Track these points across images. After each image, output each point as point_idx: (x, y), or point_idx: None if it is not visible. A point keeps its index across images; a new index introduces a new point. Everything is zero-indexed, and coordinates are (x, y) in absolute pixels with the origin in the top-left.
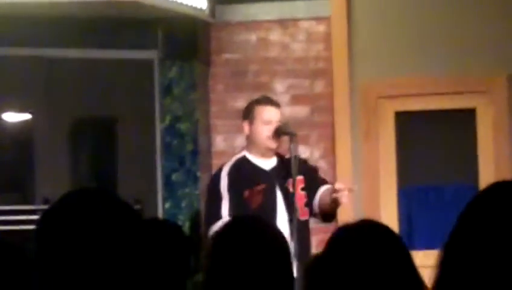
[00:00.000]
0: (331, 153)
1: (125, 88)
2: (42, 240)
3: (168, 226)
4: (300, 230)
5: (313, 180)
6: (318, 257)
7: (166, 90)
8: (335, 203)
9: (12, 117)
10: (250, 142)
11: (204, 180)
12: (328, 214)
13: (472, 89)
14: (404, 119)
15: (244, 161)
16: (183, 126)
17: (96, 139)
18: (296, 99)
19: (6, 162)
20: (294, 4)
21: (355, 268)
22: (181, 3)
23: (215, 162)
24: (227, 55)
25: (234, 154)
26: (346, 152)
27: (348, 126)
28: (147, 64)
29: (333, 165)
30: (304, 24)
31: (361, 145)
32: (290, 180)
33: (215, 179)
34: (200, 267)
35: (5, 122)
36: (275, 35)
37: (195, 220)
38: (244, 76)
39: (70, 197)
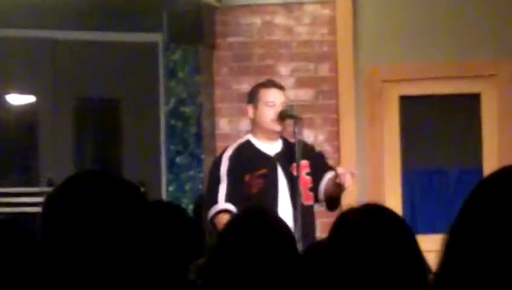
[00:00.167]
0: (335, 136)
1: (130, 71)
2: (48, 222)
3: (172, 208)
4: (304, 214)
5: (319, 166)
6: (322, 241)
7: (171, 73)
8: (339, 188)
9: (17, 99)
10: (255, 126)
11: (208, 163)
12: (332, 200)
13: (477, 74)
14: (408, 104)
15: (247, 144)
16: (187, 109)
17: (101, 122)
18: (300, 83)
19: (10, 144)
20: None
21: (361, 252)
22: None
23: (219, 145)
24: (231, 39)
25: (238, 137)
26: (350, 136)
27: (352, 110)
28: (152, 47)
29: (337, 149)
30: (309, 7)
31: (365, 129)
32: (295, 165)
33: (217, 162)
34: (203, 250)
35: (10, 104)
36: (280, 19)
37: (199, 203)
38: (249, 59)
39: (76, 178)
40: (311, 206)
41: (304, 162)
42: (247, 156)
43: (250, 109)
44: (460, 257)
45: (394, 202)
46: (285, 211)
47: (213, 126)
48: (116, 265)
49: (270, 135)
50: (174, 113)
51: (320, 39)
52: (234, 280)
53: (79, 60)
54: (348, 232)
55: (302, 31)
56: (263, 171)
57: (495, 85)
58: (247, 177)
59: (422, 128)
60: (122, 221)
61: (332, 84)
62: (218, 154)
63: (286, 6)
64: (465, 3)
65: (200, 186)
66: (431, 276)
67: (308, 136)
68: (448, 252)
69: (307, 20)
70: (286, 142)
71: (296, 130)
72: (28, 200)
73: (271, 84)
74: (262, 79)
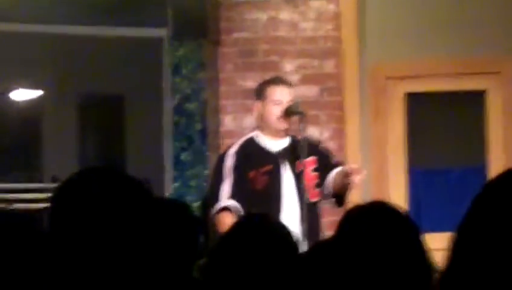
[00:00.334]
0: (340, 133)
1: (134, 66)
2: (55, 218)
3: (176, 205)
4: (310, 211)
5: (326, 163)
6: (328, 239)
7: (175, 69)
8: (346, 186)
9: (21, 95)
10: (261, 123)
11: (212, 160)
12: (339, 196)
13: (483, 71)
14: (413, 101)
15: (252, 141)
16: (191, 105)
17: (105, 118)
18: (305, 79)
19: (15, 140)
20: None
21: (367, 250)
22: None
23: (224, 142)
24: (236, 34)
25: (243, 134)
26: (355, 133)
27: (357, 107)
28: (156, 43)
29: (342, 146)
30: (314, 3)
31: (370, 126)
32: (301, 161)
33: (222, 158)
34: (207, 247)
35: (14, 100)
36: (285, 15)
37: (204, 200)
38: (254, 55)
39: (82, 174)
40: (317, 203)
41: (310, 159)
42: (252, 152)
43: (257, 106)
44: (468, 256)
45: (398, 199)
46: (290, 207)
47: (218, 123)
48: (122, 261)
49: (276, 132)
50: (178, 110)
51: (325, 35)
52: (232, 284)
53: (83, 56)
54: (354, 230)
55: (307, 27)
56: (268, 167)
57: (500, 82)
58: (251, 174)
59: (427, 125)
60: (128, 217)
61: (337, 81)
62: (222, 151)
63: (291, 2)
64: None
65: (205, 184)
66: (437, 274)
67: (313, 133)
68: (456, 252)
69: (312, 16)
70: (293, 139)
71: (301, 126)
72: (32, 197)
73: (278, 81)
74: (267, 75)
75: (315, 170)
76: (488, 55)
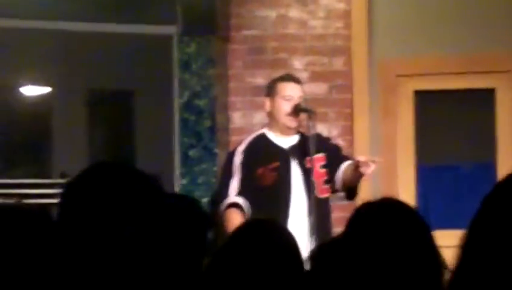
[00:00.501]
0: (349, 131)
1: (144, 63)
2: (64, 214)
3: (186, 201)
4: (319, 207)
5: (335, 158)
6: (337, 237)
7: (185, 66)
8: (357, 177)
9: (31, 91)
10: (271, 119)
11: (221, 156)
12: (351, 189)
13: (492, 69)
14: (422, 98)
15: (262, 138)
16: (201, 102)
17: (114, 115)
18: (314, 77)
19: (24, 135)
20: None
21: (378, 247)
22: None
23: (233, 139)
24: (246, 32)
25: (252, 131)
26: (364, 130)
27: (366, 104)
28: (166, 40)
29: (351, 144)
30: (324, 1)
31: (379, 123)
32: (309, 158)
33: (230, 155)
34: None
35: (24, 95)
36: (294, 12)
37: (212, 197)
38: (263, 53)
39: (94, 169)
40: (327, 199)
41: (319, 155)
42: (260, 149)
43: (267, 102)
44: (478, 256)
45: (407, 196)
46: (299, 204)
47: (227, 120)
48: (131, 256)
49: (285, 129)
50: (187, 106)
51: (334, 33)
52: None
53: (93, 52)
54: (364, 227)
55: (317, 24)
56: (276, 164)
57: (510, 81)
58: (260, 170)
59: (436, 123)
60: (138, 212)
61: (347, 78)
62: (231, 148)
63: (300, 0)
64: None
65: (213, 180)
66: (447, 272)
67: (322, 130)
68: (466, 252)
69: (321, 14)
70: (302, 136)
71: (310, 124)
72: (40, 192)
73: (289, 78)
74: (276, 72)
75: (324, 166)
76: (497, 53)
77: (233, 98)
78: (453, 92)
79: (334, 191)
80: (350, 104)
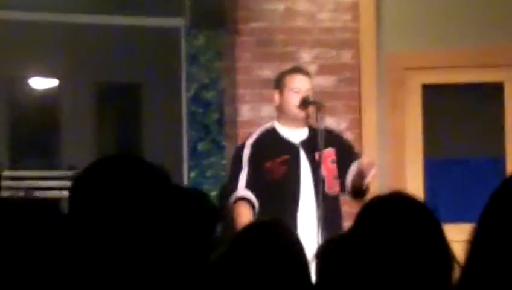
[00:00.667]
0: (357, 124)
1: (152, 56)
2: (74, 206)
3: (195, 194)
4: (329, 202)
5: (345, 154)
6: (346, 232)
7: (193, 58)
8: (362, 180)
9: (39, 83)
10: (280, 112)
11: (229, 149)
12: (358, 190)
13: (500, 63)
14: (431, 92)
15: (270, 131)
16: (209, 95)
17: (122, 107)
18: (322, 70)
19: (32, 128)
20: None
21: (387, 241)
22: None
23: (241, 132)
24: (254, 24)
25: (260, 124)
26: (372, 124)
27: (374, 97)
28: (174, 32)
29: (359, 137)
30: None
31: (387, 117)
32: (318, 152)
33: (239, 149)
34: (225, 238)
35: (32, 88)
36: (302, 5)
37: (220, 190)
38: (271, 45)
39: (103, 162)
40: (337, 194)
41: (330, 150)
42: (269, 142)
43: (275, 95)
44: (488, 251)
45: (415, 190)
46: (308, 198)
47: (235, 112)
48: (140, 248)
49: (295, 122)
50: (195, 99)
51: (342, 26)
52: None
53: (101, 45)
54: (373, 221)
55: (325, 17)
56: (285, 157)
57: None
58: (268, 164)
59: (445, 116)
60: (147, 205)
61: (355, 72)
62: (239, 141)
63: None
64: None
65: (222, 173)
66: (457, 266)
67: (330, 123)
68: (475, 247)
69: (329, 7)
70: (312, 130)
71: (318, 117)
72: (49, 184)
73: (297, 70)
74: (284, 65)
75: (334, 161)
76: (506, 47)
77: (241, 91)
78: (462, 86)
79: (343, 190)
80: (358, 97)
